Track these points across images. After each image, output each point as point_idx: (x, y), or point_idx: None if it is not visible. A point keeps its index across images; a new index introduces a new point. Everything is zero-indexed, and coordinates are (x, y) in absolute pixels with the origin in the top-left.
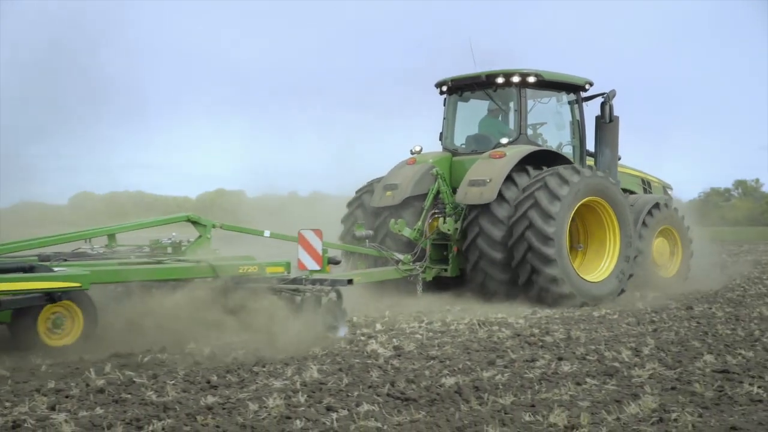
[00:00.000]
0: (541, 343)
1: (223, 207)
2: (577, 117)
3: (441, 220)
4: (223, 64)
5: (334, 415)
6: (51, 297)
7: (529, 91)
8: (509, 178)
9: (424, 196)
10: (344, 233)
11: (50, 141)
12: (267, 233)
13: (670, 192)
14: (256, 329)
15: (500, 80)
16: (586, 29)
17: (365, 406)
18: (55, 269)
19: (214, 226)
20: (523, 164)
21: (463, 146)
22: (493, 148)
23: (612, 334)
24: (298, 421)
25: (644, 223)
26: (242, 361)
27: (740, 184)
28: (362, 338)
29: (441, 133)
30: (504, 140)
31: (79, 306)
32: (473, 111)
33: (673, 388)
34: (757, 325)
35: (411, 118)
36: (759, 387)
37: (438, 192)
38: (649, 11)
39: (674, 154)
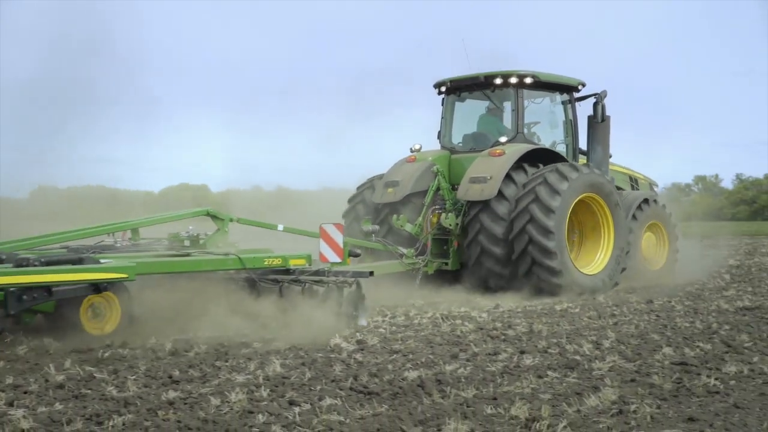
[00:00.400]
0: (503, 337)
1: (188, 202)
2: (570, 116)
3: (443, 215)
4: (200, 60)
5: (297, 409)
6: (96, 287)
7: (525, 92)
8: (508, 175)
9: (423, 192)
10: (347, 225)
11: (8, 133)
12: (280, 227)
13: (655, 188)
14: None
15: (498, 81)
16: (554, 33)
17: (328, 400)
18: (102, 261)
19: (231, 220)
20: (520, 162)
21: (460, 144)
22: (492, 146)
23: (573, 328)
24: (260, 416)
25: (634, 218)
26: (204, 356)
27: (700, 179)
28: (323, 332)
29: (439, 132)
30: (503, 139)
31: (116, 295)
32: (469, 110)
33: (632, 381)
34: (714, 318)
35: (383, 116)
36: (716, 379)
37: (438, 188)
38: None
39: (635, 150)
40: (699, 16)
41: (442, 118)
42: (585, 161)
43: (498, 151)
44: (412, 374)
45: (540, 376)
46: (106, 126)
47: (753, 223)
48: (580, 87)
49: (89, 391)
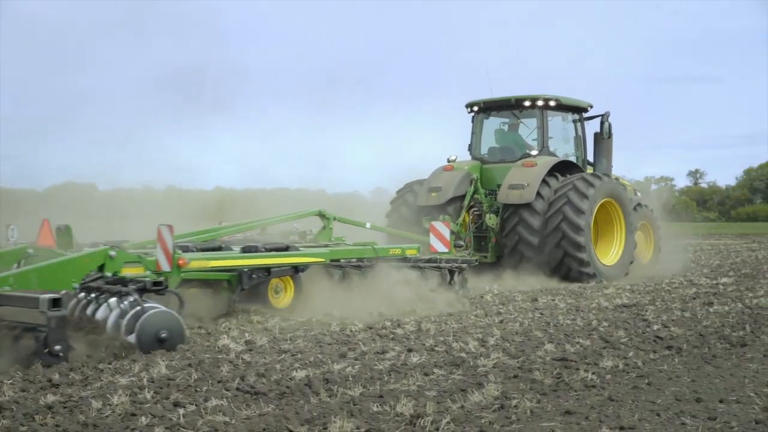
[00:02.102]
0: (392, 336)
1: (74, 200)
2: (580, 133)
3: (487, 215)
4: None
5: (182, 411)
6: (296, 269)
7: (547, 112)
8: (542, 180)
9: (461, 197)
10: (391, 224)
11: None
12: (368, 225)
13: (639, 194)
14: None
15: (527, 103)
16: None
17: (213, 401)
18: (300, 248)
19: (335, 219)
20: (550, 171)
21: (487, 156)
22: (520, 158)
23: (461, 326)
24: (143, 418)
25: None
26: (86, 359)
27: None
28: (212, 333)
29: (470, 145)
30: (534, 152)
31: (291, 278)
32: (493, 127)
33: (515, 377)
34: (594, 315)
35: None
36: (593, 373)
37: (474, 193)
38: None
39: None
40: (602, 17)
41: (473, 133)
42: (592, 171)
43: (531, 162)
44: (300, 374)
45: (426, 374)
46: None
47: None
48: (588, 108)
49: None
